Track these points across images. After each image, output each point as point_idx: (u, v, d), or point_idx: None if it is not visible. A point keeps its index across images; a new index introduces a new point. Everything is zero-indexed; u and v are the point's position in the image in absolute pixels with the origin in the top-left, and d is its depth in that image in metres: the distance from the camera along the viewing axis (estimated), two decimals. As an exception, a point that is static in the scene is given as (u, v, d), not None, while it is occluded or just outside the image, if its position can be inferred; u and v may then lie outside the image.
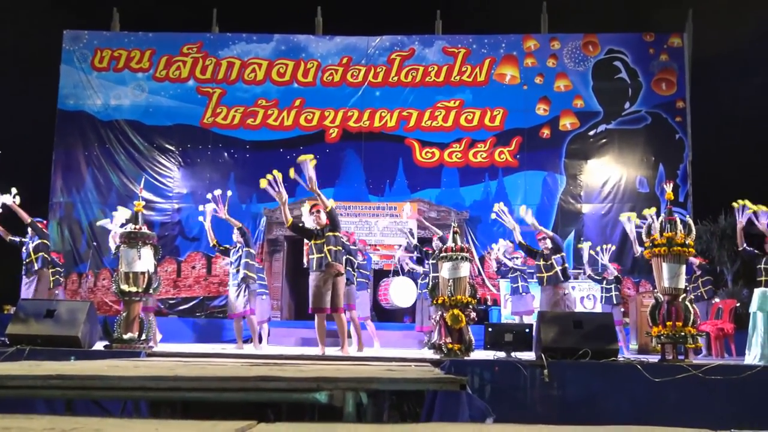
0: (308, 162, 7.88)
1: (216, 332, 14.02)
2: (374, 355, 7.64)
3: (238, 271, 9.69)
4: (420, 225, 14.34)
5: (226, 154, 16.49)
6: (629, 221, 8.80)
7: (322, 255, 7.94)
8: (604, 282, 12.12)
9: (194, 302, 15.69)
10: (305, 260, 14.05)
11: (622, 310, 12.30)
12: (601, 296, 12.26)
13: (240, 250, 9.78)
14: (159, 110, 16.63)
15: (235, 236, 9.85)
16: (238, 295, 9.67)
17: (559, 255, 9.44)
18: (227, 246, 10.03)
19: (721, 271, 15.45)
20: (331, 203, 8.18)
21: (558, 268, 9.33)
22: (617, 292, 12.01)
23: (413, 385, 3.83)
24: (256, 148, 16.42)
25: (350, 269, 9.84)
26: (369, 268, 11.42)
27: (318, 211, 8.18)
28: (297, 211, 15.23)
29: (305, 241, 14.44)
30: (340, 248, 8.15)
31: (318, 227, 8.11)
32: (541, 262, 9.46)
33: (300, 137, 16.48)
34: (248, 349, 9.42)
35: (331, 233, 8.04)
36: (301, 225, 8.28)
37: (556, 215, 16.10)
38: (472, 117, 16.48)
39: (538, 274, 9.54)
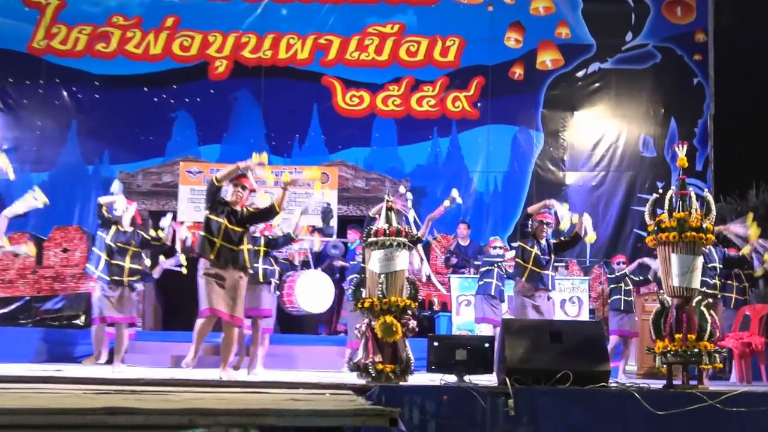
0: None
1: (51, 347, 13.76)
2: (275, 379, 7.64)
3: (117, 265, 9.89)
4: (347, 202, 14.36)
5: (65, 93, 16.14)
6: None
7: (239, 250, 8.19)
8: (623, 282, 12.36)
9: (17, 304, 15.36)
10: (179, 246, 13.89)
11: (636, 318, 12.53)
12: (618, 299, 12.38)
13: (135, 236, 10.11)
14: (-34, 28, 16.17)
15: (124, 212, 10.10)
16: (118, 296, 9.86)
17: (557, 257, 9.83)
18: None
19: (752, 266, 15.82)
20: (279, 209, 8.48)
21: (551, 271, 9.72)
22: (629, 297, 12.26)
23: (326, 419, 3.84)
24: (109, 86, 16.11)
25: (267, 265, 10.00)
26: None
27: (244, 189, 8.41)
28: (168, 176, 15.05)
29: (179, 220, 14.30)
30: (251, 247, 8.53)
31: (240, 209, 8.35)
32: (534, 250, 9.74)
33: (173, 72, 16.25)
34: (99, 371, 9.30)
35: (249, 227, 8.40)
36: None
37: (531, 186, 16.28)
38: (417, 48, 16.51)
39: (519, 260, 9.78)
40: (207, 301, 8.17)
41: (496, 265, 11.96)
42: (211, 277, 8.19)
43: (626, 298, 12.22)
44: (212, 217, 8.31)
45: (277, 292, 11.05)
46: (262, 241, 10.23)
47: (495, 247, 12.16)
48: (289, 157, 16.12)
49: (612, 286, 12.53)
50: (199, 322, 8.30)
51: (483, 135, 16.38)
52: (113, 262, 9.92)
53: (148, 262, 11.42)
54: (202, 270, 8.25)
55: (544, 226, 9.88)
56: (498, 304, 11.92)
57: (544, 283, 9.65)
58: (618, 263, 12.57)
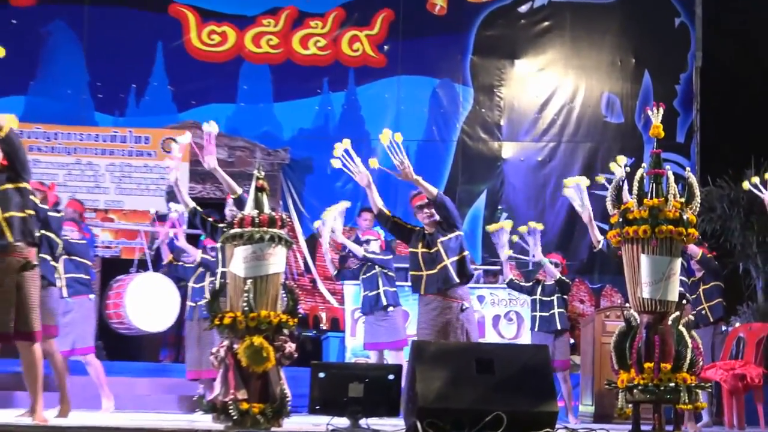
0: None
1: None
2: (98, 424, 7.58)
3: None
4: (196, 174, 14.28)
5: None
6: (578, 190, 9.16)
7: None
8: (540, 290, 12.43)
9: None
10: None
11: (571, 341, 12.65)
12: (534, 316, 12.56)
13: None
14: None
15: None
16: None
17: (453, 235, 9.54)
18: None
19: (746, 272, 16.05)
20: (8, 121, 7.97)
21: (450, 261, 9.44)
22: (562, 309, 12.33)
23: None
24: None
25: (48, 257, 9.65)
26: (91, 257, 11.23)
27: None
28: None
29: None
30: (30, 214, 7.97)
31: None
32: (420, 249, 9.56)
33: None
34: None
35: (11, 185, 7.84)
36: None
37: (455, 160, 16.40)
38: (301, -31, 16.54)
39: (412, 272, 9.64)
40: None
41: (378, 267, 11.81)
42: None
43: (543, 313, 12.30)
44: None
45: (70, 299, 10.76)
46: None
47: (368, 241, 11.98)
48: (122, 116, 16.01)
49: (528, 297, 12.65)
50: None
51: (391, 89, 16.46)
52: None
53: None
54: None
55: (423, 210, 9.67)
56: (395, 319, 11.88)
57: (448, 284, 9.45)
58: (551, 263, 12.48)
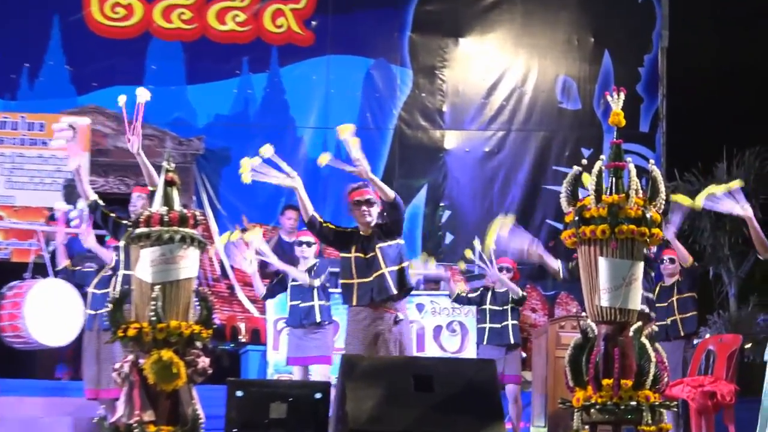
0: None
1: None
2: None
3: None
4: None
5: None
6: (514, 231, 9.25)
7: None
8: (490, 298, 12.43)
9: None
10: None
11: (523, 355, 12.69)
12: (482, 328, 12.57)
13: None
14: None
15: None
16: None
17: (394, 242, 9.49)
18: None
19: (717, 277, 16.17)
20: None
21: (388, 270, 9.40)
22: (515, 321, 12.36)
23: None
24: None
25: None
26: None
27: None
28: None
29: None
30: None
31: None
32: (353, 254, 9.52)
33: None
34: None
35: None
36: None
37: (392, 151, 16.40)
38: (218, -67, 16.51)
39: (343, 280, 9.59)
40: None
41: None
42: None
43: (494, 325, 12.32)
44: None
45: None
46: None
47: (301, 243, 11.89)
48: (13, 99, 15.89)
49: (474, 307, 12.68)
50: None
51: (320, 71, 16.47)
52: None
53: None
54: None
55: (362, 208, 9.57)
56: (326, 334, 11.84)
57: (384, 295, 9.38)
58: (501, 269, 12.44)
